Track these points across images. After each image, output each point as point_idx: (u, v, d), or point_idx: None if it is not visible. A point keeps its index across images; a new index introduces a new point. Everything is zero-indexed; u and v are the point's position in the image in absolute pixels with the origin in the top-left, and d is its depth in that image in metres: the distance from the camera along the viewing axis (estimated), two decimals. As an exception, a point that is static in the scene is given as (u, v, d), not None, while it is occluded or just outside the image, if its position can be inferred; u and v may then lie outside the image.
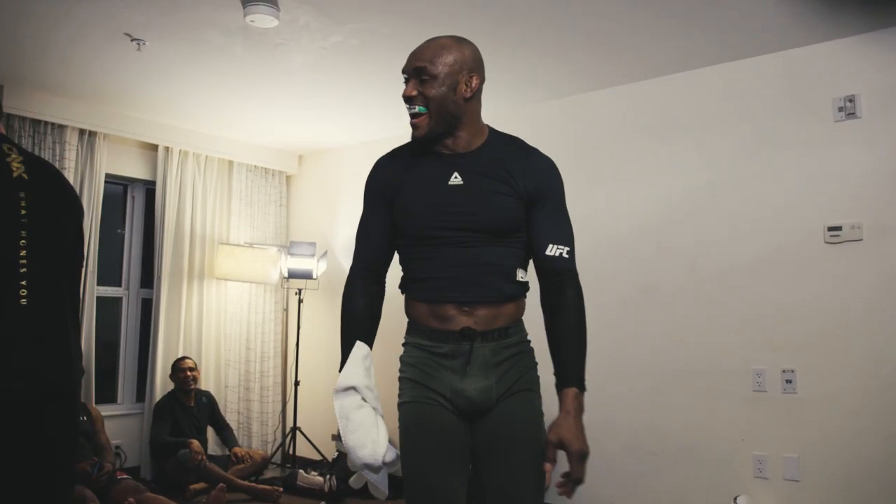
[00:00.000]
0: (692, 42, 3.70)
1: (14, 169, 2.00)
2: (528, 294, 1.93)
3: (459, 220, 1.82)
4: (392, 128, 5.29)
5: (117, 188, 5.35)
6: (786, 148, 3.72)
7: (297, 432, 5.44)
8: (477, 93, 1.87)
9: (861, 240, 3.45)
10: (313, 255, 5.47)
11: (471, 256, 1.81)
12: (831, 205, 3.55)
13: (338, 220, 5.87)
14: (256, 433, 5.66)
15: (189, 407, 5.00)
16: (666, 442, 3.98)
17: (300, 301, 5.60)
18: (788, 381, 3.61)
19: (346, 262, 5.70)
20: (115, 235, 5.30)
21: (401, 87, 4.69)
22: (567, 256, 1.86)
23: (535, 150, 1.95)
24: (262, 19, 3.30)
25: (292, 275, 5.45)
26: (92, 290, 4.80)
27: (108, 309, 5.13)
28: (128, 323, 5.26)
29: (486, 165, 1.85)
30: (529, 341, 1.94)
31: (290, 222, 6.23)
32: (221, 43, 3.75)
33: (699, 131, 4.03)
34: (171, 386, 5.06)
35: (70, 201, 2.16)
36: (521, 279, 1.87)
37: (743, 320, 3.76)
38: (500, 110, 4.66)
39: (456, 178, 1.84)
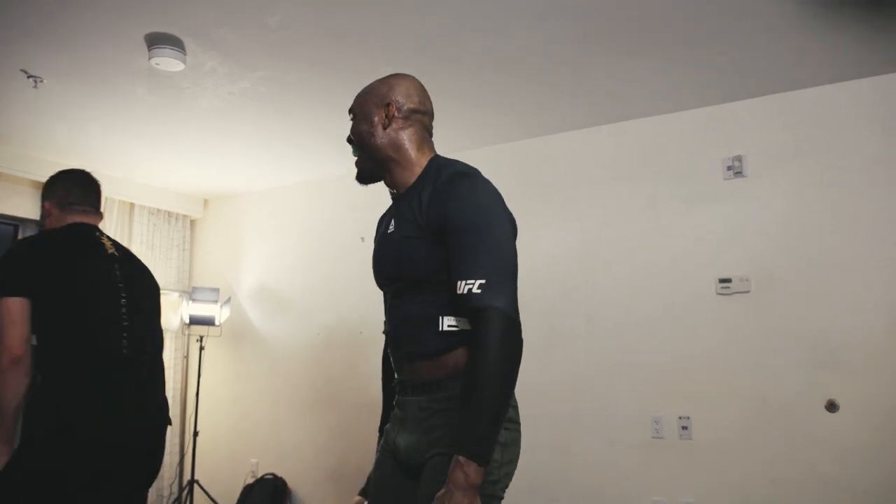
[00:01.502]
0: (591, 101, 3.86)
1: (107, 247, 2.60)
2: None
3: (387, 272, 1.79)
4: (299, 174, 5.28)
5: (7, 228, 5.10)
6: (679, 203, 3.91)
7: (195, 485, 5.23)
8: (398, 122, 1.78)
9: (749, 291, 3.63)
10: (216, 302, 5.34)
11: (397, 309, 1.75)
12: (722, 258, 3.73)
13: (242, 266, 5.76)
14: (152, 486, 5.40)
15: None
16: (568, 488, 4.02)
17: (201, 348, 5.44)
18: (684, 428, 3.73)
19: (250, 308, 5.59)
20: (4, 279, 5.03)
21: (307, 135, 4.71)
22: (478, 291, 1.55)
23: (449, 174, 1.71)
24: (168, 63, 3.26)
25: (194, 321, 5.29)
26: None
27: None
28: (13, 371, 4.97)
29: (408, 206, 1.73)
30: None
31: (193, 267, 6.07)
32: (125, 84, 3.67)
33: (599, 186, 4.18)
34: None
35: (145, 269, 2.74)
36: (448, 328, 1.64)
37: (641, 369, 3.88)
38: None
39: (391, 225, 1.80)
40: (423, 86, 1.87)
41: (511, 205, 4.46)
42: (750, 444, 3.55)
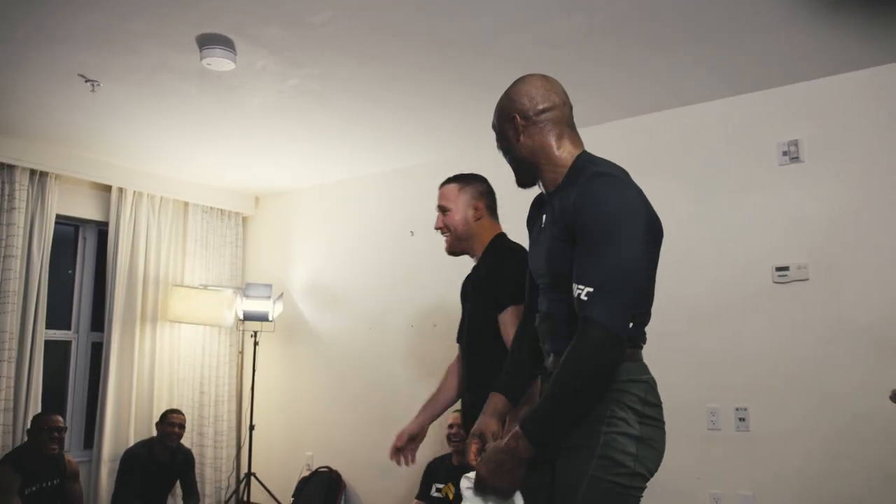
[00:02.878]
0: (644, 88, 3.81)
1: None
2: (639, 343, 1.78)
3: (536, 268, 1.90)
4: (349, 170, 5.32)
5: (68, 229, 5.25)
6: (733, 191, 3.82)
7: (252, 478, 5.32)
8: (529, 130, 1.82)
9: (807, 279, 3.54)
10: (269, 297, 5.42)
11: (544, 303, 1.83)
12: (778, 246, 3.64)
13: (294, 262, 5.83)
14: (210, 479, 5.52)
15: (163, 462, 4.72)
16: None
17: (255, 343, 5.53)
18: (742, 419, 3.66)
19: (303, 303, 5.67)
20: (64, 278, 5.19)
21: (356, 130, 4.74)
22: (585, 298, 1.54)
23: (588, 176, 1.71)
24: (219, 62, 3.32)
25: (248, 317, 5.38)
26: (40, 333, 4.68)
27: (54, 353, 5.00)
28: (76, 367, 5.13)
29: (553, 206, 1.77)
30: (617, 384, 1.65)
31: (245, 264, 6.17)
32: (177, 85, 3.75)
33: (648, 175, 4.12)
34: (123, 432, 4.93)
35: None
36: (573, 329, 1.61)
37: (696, 360, 3.81)
38: (432, 157, 4.74)
39: (543, 221, 1.86)
40: (545, 80, 1.86)
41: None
42: (810, 436, 3.47)
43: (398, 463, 2.68)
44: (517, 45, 3.32)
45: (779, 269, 3.61)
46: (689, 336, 3.86)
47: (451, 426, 4.24)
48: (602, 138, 4.29)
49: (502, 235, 2.63)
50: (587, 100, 3.94)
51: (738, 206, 3.80)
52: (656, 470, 1.76)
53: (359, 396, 5.22)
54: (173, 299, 5.32)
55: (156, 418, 5.07)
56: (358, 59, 3.46)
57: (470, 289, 2.62)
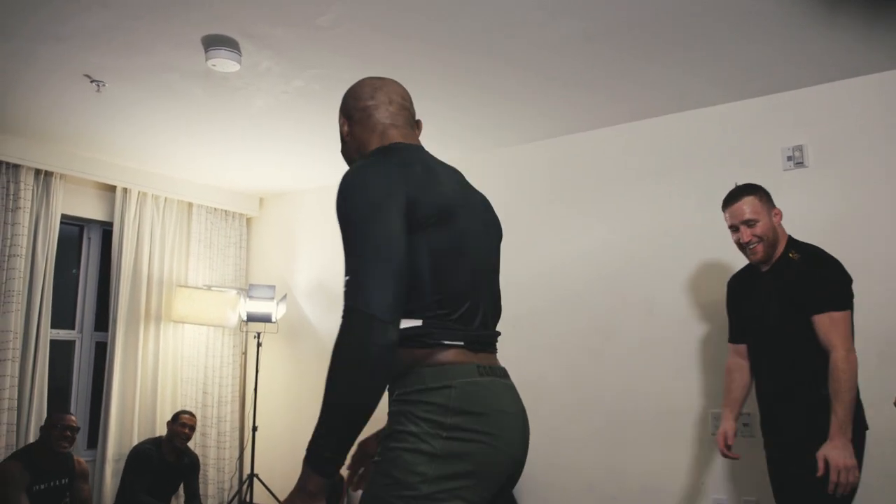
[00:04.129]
0: (647, 93, 3.81)
1: None
2: (430, 342, 1.54)
3: None
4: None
5: (72, 229, 5.27)
6: (738, 194, 3.81)
7: (255, 479, 5.32)
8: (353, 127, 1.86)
9: (812, 284, 3.52)
10: (273, 299, 5.42)
11: None
12: (783, 250, 3.63)
13: (297, 264, 5.84)
14: (213, 480, 5.52)
15: (171, 463, 4.70)
16: (626, 485, 3.98)
17: (259, 345, 5.53)
18: (745, 425, 3.65)
19: (306, 305, 5.67)
20: (69, 278, 5.20)
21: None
22: (344, 290, 1.45)
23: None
24: (224, 63, 3.32)
25: (251, 318, 5.38)
26: (45, 333, 4.69)
27: (59, 353, 5.00)
28: (80, 367, 5.14)
29: None
30: (408, 393, 1.50)
31: (249, 265, 6.17)
32: (182, 86, 3.76)
33: (655, 179, 4.11)
34: (127, 432, 4.93)
35: None
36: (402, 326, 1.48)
37: (701, 365, 3.81)
38: (454, 155, 4.74)
39: None
40: (376, 80, 1.85)
41: (565, 198, 4.41)
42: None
43: (734, 458, 2.90)
44: (516, 48, 3.32)
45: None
46: (694, 342, 3.85)
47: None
48: (606, 142, 4.31)
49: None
50: (587, 103, 3.94)
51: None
52: (488, 493, 1.51)
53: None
54: (177, 300, 5.33)
55: (160, 419, 5.08)
56: (361, 61, 3.46)
57: (779, 292, 2.73)
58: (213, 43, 3.24)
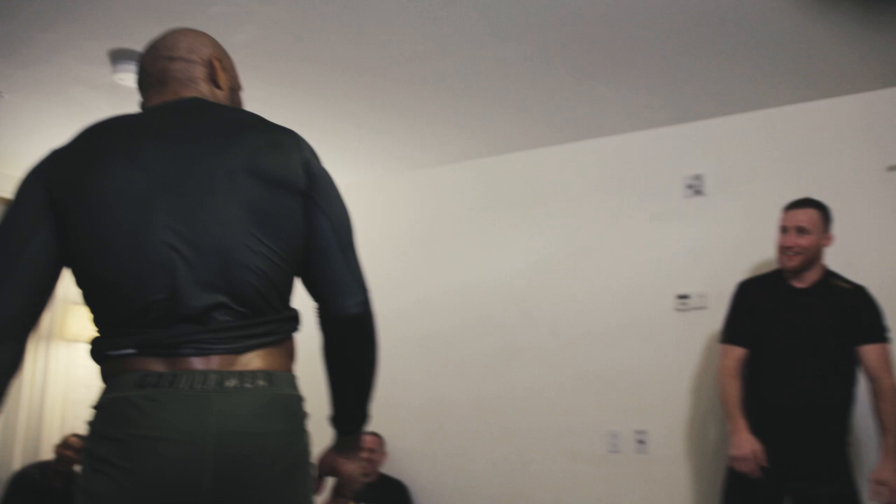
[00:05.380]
0: (554, 120, 3.92)
1: None
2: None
3: None
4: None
5: (-34, 242, 5.01)
6: (641, 220, 3.98)
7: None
8: None
9: (706, 307, 3.70)
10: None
11: None
12: (680, 275, 3.81)
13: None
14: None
15: (56, 490, 4.34)
16: (527, 502, 4.05)
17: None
18: (641, 442, 3.79)
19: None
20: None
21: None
22: None
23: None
24: (132, 77, 3.26)
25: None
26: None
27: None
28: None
29: None
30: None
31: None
32: (88, 98, 3.66)
33: (560, 204, 4.24)
34: (7, 456, 4.66)
35: None
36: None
37: (599, 383, 3.93)
38: (350, 180, 4.76)
39: None
40: (158, 38, 1.61)
41: (474, 220, 4.47)
42: (706, 459, 3.61)
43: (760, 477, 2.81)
44: (439, 72, 3.38)
45: (680, 296, 3.76)
46: (592, 360, 3.98)
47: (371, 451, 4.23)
48: (516, 166, 4.40)
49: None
50: (496, 128, 4.04)
51: (646, 234, 3.96)
52: None
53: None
54: (71, 318, 5.12)
55: (46, 442, 4.79)
56: (276, 82, 3.45)
57: (813, 305, 2.88)
58: (121, 57, 3.17)
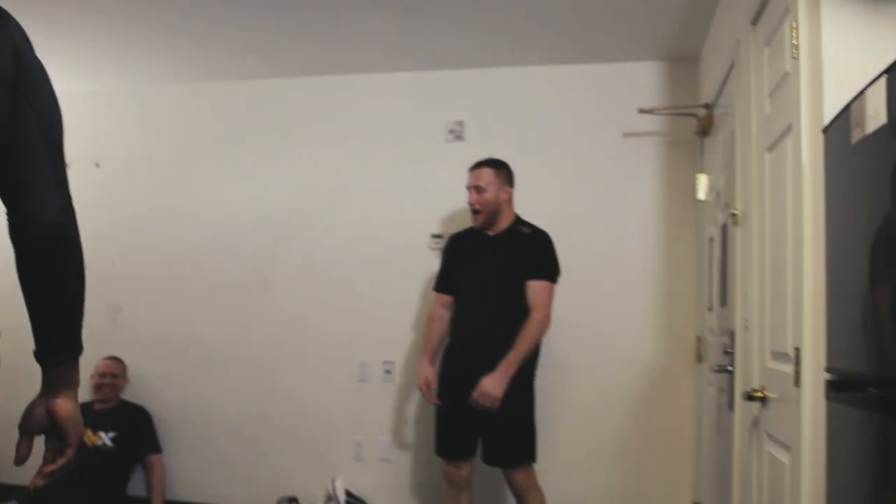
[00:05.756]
0: (333, 48, 3.84)
1: None
2: None
3: None
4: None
5: None
6: (403, 161, 4.08)
7: None
8: None
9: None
10: None
11: None
12: (436, 216, 3.97)
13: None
14: None
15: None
16: (273, 428, 4.10)
17: None
18: (388, 372, 3.96)
19: None
20: None
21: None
22: None
23: None
24: None
25: None
26: None
27: None
28: None
29: None
30: None
31: None
32: None
33: (327, 135, 4.21)
34: None
35: None
36: None
37: (352, 315, 4.04)
38: (98, 87, 4.42)
39: None
40: None
41: (235, 143, 4.29)
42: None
43: (435, 402, 3.24)
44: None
45: (434, 236, 3.93)
46: (346, 291, 4.07)
47: (102, 375, 4.03)
48: (287, 92, 4.27)
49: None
50: (276, 48, 3.89)
51: (406, 174, 4.09)
52: None
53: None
54: None
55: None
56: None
57: (497, 251, 3.20)
58: None
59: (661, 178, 3.80)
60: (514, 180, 3.31)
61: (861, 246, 1.37)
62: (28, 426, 1.27)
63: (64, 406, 1.27)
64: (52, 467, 1.26)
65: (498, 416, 2.99)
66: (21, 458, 1.24)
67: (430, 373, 3.25)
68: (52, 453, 1.27)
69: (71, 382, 1.29)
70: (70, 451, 1.28)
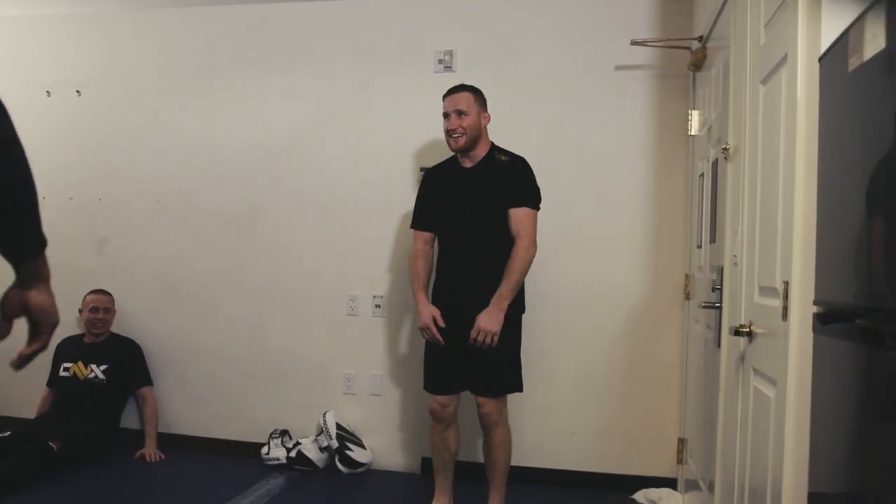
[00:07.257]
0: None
1: None
2: None
3: None
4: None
5: None
6: (391, 92, 4.00)
7: None
8: None
9: (446, 182, 3.85)
10: None
11: None
12: (424, 149, 3.92)
13: None
14: None
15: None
16: (264, 363, 4.12)
17: None
18: (378, 306, 3.97)
19: None
20: None
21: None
22: None
23: None
24: None
25: None
26: None
27: None
28: None
29: None
30: None
31: None
32: None
33: (314, 65, 4.12)
34: None
35: None
36: None
37: (341, 248, 4.04)
38: (96, 10, 4.27)
39: None
40: None
41: (222, 72, 4.18)
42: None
43: (441, 340, 3.12)
44: None
45: (423, 169, 3.87)
46: (336, 226, 4.05)
47: (94, 310, 4.03)
48: (270, 19, 4.15)
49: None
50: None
51: (394, 106, 4.00)
52: None
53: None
54: None
55: None
56: None
57: (476, 182, 3.14)
58: None
59: (653, 112, 3.75)
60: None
61: (856, 176, 1.35)
62: (4, 311, 1.34)
63: (36, 298, 1.34)
64: (27, 350, 1.35)
65: (493, 349, 3.01)
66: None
67: (433, 309, 3.15)
68: (29, 338, 1.37)
69: (41, 275, 1.35)
70: (44, 338, 1.36)
